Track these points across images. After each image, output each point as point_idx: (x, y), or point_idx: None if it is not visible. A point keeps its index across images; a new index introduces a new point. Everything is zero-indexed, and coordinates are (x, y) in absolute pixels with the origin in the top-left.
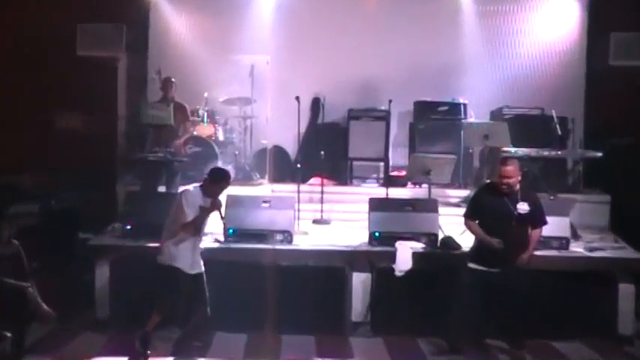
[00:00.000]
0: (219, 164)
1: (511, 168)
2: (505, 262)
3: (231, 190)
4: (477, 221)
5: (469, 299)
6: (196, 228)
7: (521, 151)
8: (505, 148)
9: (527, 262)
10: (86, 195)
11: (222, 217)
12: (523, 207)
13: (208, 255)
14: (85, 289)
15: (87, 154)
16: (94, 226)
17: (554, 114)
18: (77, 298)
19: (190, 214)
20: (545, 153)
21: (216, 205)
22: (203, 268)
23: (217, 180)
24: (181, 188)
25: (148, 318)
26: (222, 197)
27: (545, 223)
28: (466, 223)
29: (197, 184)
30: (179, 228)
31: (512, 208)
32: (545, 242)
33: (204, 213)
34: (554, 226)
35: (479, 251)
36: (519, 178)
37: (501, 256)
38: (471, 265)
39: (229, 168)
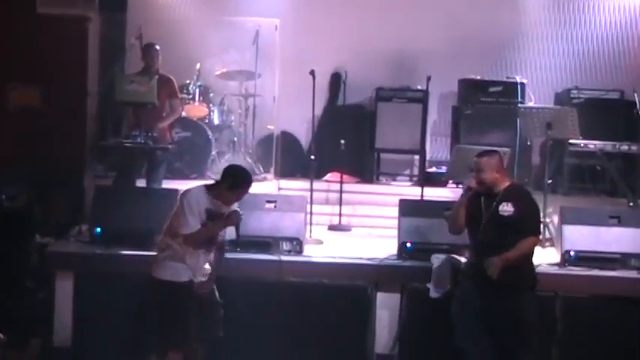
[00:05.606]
0: (214, 153)
1: (484, 159)
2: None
3: None
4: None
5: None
6: (201, 243)
7: (594, 144)
8: (573, 140)
9: (496, 270)
10: (45, 190)
11: (237, 234)
12: (505, 208)
13: None
14: (41, 310)
15: (47, 138)
16: (54, 228)
17: (637, 98)
18: (31, 321)
19: (193, 224)
20: (625, 147)
21: (234, 220)
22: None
23: (241, 186)
24: (187, 186)
25: (121, 349)
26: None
27: (536, 231)
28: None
29: (202, 185)
30: (182, 240)
31: (482, 208)
32: (624, 261)
33: (217, 225)
34: (635, 240)
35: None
36: (494, 173)
37: (481, 269)
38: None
39: (226, 159)
